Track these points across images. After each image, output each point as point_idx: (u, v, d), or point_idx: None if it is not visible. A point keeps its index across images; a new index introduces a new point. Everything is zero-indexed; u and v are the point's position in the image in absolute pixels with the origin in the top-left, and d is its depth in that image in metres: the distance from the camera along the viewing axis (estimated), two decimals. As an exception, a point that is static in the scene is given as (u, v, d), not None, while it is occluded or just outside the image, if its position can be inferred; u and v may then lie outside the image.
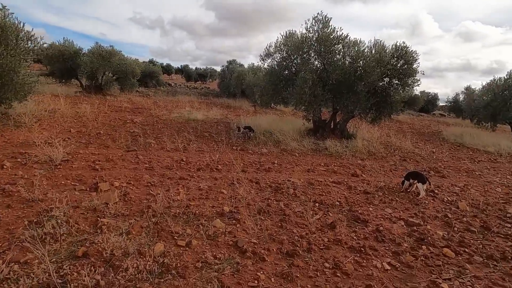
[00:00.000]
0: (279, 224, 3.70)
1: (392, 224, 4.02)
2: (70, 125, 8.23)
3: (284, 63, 9.86)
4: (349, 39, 8.76)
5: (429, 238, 3.65)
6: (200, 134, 9.17)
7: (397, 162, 8.04)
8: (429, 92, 31.76)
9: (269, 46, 10.01)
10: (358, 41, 8.96)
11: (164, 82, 27.31)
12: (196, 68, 37.92)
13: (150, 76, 23.04)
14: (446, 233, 3.87)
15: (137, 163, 5.67)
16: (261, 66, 10.14)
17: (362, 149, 8.84)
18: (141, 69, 20.06)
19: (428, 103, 29.30)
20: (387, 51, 9.11)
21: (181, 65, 38.26)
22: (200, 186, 4.72)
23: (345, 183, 5.67)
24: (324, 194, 4.98)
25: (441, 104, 34.06)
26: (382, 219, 4.16)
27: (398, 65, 9.33)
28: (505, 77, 14.00)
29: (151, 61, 35.42)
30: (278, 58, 9.94)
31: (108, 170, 5.13)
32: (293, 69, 9.91)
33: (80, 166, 5.17)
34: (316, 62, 8.91)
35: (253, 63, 19.63)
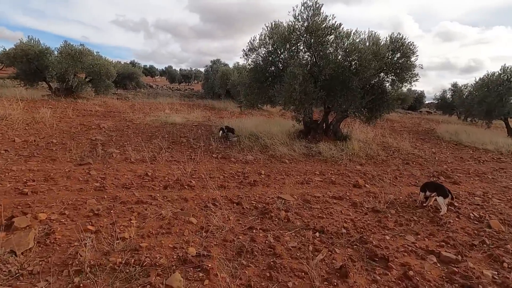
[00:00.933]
0: (267, 274, 2.54)
1: (422, 262, 2.92)
2: (17, 134, 6.84)
3: (270, 58, 8.72)
4: (342, 29, 7.71)
5: (477, 284, 2.57)
6: (175, 139, 7.92)
7: (400, 167, 7.02)
8: (416, 90, 31.39)
9: (253, 40, 8.86)
10: (352, 32, 7.92)
11: (145, 84, 25.80)
12: (180, 70, 36.43)
13: (129, 77, 21.53)
14: (496, 272, 2.80)
15: (85, 182, 4.40)
16: (245, 62, 8.90)
17: (359, 152, 7.80)
18: (117, 70, 18.61)
19: (416, 100, 28.84)
20: (382, 43, 8.13)
21: (164, 67, 36.75)
22: (161, 214, 3.50)
23: (347, 198, 4.57)
24: (324, 216, 3.85)
25: (426, 101, 33.86)
26: (405, 253, 3.05)
27: (395, 58, 8.37)
28: (499, 72, 13.31)
29: (132, 63, 33.77)
30: (263, 52, 8.80)
31: (42, 194, 3.84)
32: (280, 64, 8.79)
33: (3, 189, 3.87)
34: (306, 56, 7.81)
35: (238, 62, 18.52)
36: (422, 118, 23.41)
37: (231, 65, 20.92)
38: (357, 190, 5.03)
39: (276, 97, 7.66)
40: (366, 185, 5.34)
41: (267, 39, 8.38)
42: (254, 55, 8.97)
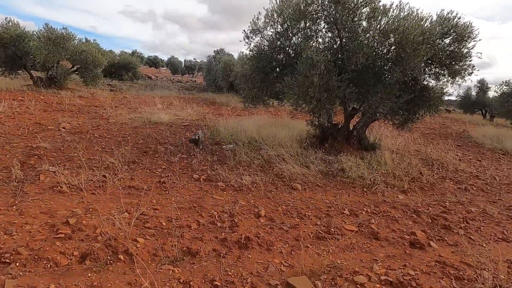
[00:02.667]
0: None
1: None
2: None
3: (278, 41, 6.55)
4: (378, 2, 5.48)
5: None
6: (149, 148, 5.87)
7: (458, 195, 4.87)
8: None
9: (257, 18, 6.67)
10: (389, 6, 5.66)
11: (144, 75, 23.79)
12: (185, 61, 34.28)
13: (126, 68, 19.53)
14: None
15: None
16: (246, 48, 6.74)
17: (395, 169, 5.65)
18: (111, 58, 16.58)
19: (434, 97, 26.28)
20: (427, 24, 5.88)
21: (167, 58, 34.63)
22: None
23: (416, 283, 2.46)
24: None
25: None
26: None
27: (445, 43, 6.13)
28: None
29: (133, 52, 31.76)
30: (269, 34, 6.63)
31: None
32: (291, 50, 6.62)
33: None
34: (328, 37, 5.61)
35: (242, 52, 16.33)
36: (444, 117, 20.93)
37: (236, 56, 18.69)
38: (421, 257, 2.90)
39: (285, 93, 5.51)
40: (431, 242, 3.21)
41: (275, 15, 6.19)
42: (258, 39, 6.79)
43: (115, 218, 2.93)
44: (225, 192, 4.16)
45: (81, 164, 4.54)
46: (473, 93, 22.07)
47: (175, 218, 3.21)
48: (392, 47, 5.42)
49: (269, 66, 6.69)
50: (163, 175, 4.54)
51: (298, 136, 7.31)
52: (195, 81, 27.13)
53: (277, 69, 6.82)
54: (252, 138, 7.02)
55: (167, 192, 3.95)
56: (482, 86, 20.78)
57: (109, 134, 6.66)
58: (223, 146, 6.49)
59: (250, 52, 6.88)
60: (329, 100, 5.04)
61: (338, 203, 4.10)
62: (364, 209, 3.97)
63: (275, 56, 6.67)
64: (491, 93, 20.33)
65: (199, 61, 31.68)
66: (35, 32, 12.57)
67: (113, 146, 5.73)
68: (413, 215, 3.90)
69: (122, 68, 19.39)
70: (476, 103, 21.49)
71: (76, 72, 14.16)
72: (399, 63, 5.28)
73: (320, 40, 5.66)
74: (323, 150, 6.63)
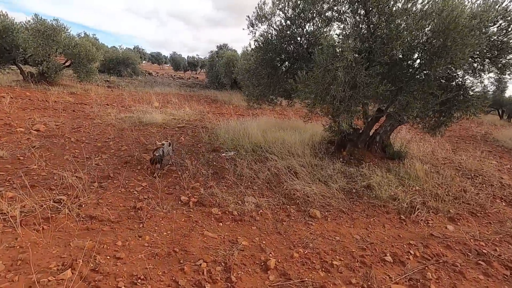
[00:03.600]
0: None
1: None
2: None
3: (288, 30, 5.43)
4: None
5: None
6: (133, 157, 4.81)
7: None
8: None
9: (263, 3, 5.55)
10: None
11: (144, 71, 22.73)
12: (188, 57, 33.13)
13: (124, 63, 18.47)
14: None
15: None
16: (250, 38, 5.61)
17: (432, 186, 4.54)
18: (107, 53, 15.55)
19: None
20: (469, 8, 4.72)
21: (169, 54, 33.49)
22: None
23: None
24: None
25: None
26: None
27: (493, 31, 4.98)
28: None
29: (136, 48, 30.71)
30: (278, 21, 5.51)
31: None
32: (304, 40, 5.50)
33: None
34: (351, 23, 4.45)
35: (246, 47, 15.19)
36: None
37: (239, 52, 17.50)
38: None
39: (298, 92, 4.38)
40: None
41: (285, -2, 5.08)
42: (265, 27, 5.67)
43: (49, 280, 1.87)
44: (221, 224, 3.08)
45: (37, 181, 3.49)
46: (490, 92, 20.69)
47: (142, 277, 2.13)
48: (434, 35, 4.27)
49: (277, 59, 5.58)
50: (141, 196, 3.46)
51: (310, 142, 6.20)
52: (197, 77, 26.04)
53: (287, 63, 5.71)
54: (256, 144, 5.93)
55: (141, 225, 2.87)
56: (500, 85, 19.41)
57: (88, 138, 5.60)
58: (222, 154, 5.40)
59: (255, 43, 5.75)
60: (354, 100, 3.91)
61: (373, 241, 2.99)
62: (411, 251, 2.86)
63: (284, 47, 5.55)
64: (508, 92, 19.02)
65: (202, 57, 30.55)
66: (23, 24, 11.52)
67: (89, 154, 4.68)
68: (480, 262, 2.79)
69: (121, 64, 18.34)
70: (493, 103, 20.14)
71: (69, 67, 13.15)
72: (442, 55, 4.13)
73: (342, 25, 4.50)
74: (341, 159, 5.53)
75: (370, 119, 5.59)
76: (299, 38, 5.53)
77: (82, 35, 17.10)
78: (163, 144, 4.44)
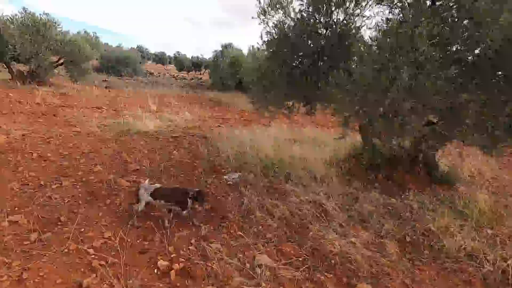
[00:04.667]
0: None
1: None
2: None
3: (311, 19, 4.15)
4: None
5: None
6: (102, 183, 3.56)
7: None
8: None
9: (279, -14, 4.28)
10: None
11: (145, 71, 21.59)
12: (192, 57, 31.94)
13: (125, 63, 17.34)
14: None
15: None
16: (262, 28, 4.33)
17: (508, 227, 3.24)
18: (105, 51, 14.39)
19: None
20: None
21: (173, 54, 32.29)
22: None
23: None
24: None
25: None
26: None
27: None
28: None
29: (138, 47, 29.61)
30: (297, 7, 4.24)
31: None
32: (329, 30, 4.22)
33: None
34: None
35: (252, 46, 13.91)
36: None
37: (245, 51, 16.20)
38: None
39: (331, 97, 3.10)
40: None
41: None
42: (280, 15, 4.40)
43: None
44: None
45: None
46: None
47: None
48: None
49: (295, 56, 4.30)
50: (97, 261, 2.21)
51: (334, 159, 4.91)
52: (201, 78, 24.85)
53: (307, 60, 4.43)
54: (267, 162, 4.65)
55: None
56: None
57: (56, 153, 4.37)
58: (224, 177, 4.13)
59: (267, 35, 4.47)
60: (416, 113, 2.62)
61: None
62: None
63: (306, 41, 4.27)
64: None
65: (206, 57, 29.36)
66: (9, 17, 10.37)
67: (46, 180, 3.45)
68: None
69: (121, 63, 17.21)
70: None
71: (61, 66, 12.02)
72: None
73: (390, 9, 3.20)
74: (376, 183, 4.24)
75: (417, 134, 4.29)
76: (324, 31, 4.25)
77: (82, 33, 15.98)
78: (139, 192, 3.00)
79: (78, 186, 3.41)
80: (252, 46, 13.75)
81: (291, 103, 4.62)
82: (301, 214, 3.17)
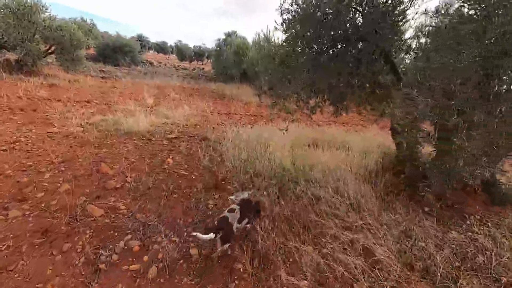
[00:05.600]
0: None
1: None
2: None
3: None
4: None
5: None
6: (61, 220, 2.59)
7: None
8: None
9: None
10: None
11: (145, 60, 20.41)
12: (194, 46, 30.59)
13: (122, 51, 16.20)
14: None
15: None
16: (281, 4, 3.23)
17: None
18: (96, 38, 13.26)
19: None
20: None
21: (174, 42, 30.86)
22: None
23: None
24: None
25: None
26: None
27: None
28: None
29: (139, 36, 28.30)
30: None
31: None
32: (365, 7, 3.14)
33: None
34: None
35: (258, 33, 12.69)
36: None
37: (250, 40, 14.95)
38: None
39: (382, 96, 2.09)
40: None
41: None
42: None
43: None
44: None
45: None
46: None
47: None
48: None
49: (326, 38, 3.24)
50: None
51: (364, 170, 3.91)
52: (203, 68, 23.65)
53: (340, 46, 3.37)
54: (284, 173, 3.67)
55: None
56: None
57: (18, 164, 3.41)
58: (230, 198, 3.16)
59: (286, 14, 3.39)
60: None
61: None
62: None
63: (338, 19, 3.20)
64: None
65: (209, 47, 28.03)
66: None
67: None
68: None
69: (118, 52, 16.07)
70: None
71: (52, 54, 10.96)
72: None
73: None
74: (426, 207, 3.26)
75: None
76: (362, 5, 3.17)
77: (79, 19, 14.81)
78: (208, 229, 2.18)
79: (30, 218, 2.46)
80: (258, 33, 12.55)
81: (314, 100, 3.58)
82: (340, 264, 2.20)
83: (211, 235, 2.05)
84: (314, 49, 3.16)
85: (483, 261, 2.49)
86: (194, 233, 2.08)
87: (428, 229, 2.81)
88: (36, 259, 2.02)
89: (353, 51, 3.23)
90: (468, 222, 3.04)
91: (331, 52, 3.32)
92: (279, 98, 3.77)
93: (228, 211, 2.37)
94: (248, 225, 2.54)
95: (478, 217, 3.16)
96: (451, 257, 2.46)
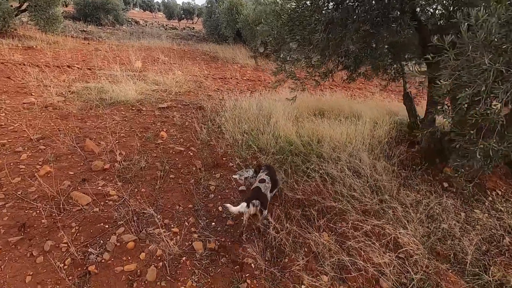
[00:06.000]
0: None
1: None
2: None
3: None
4: None
5: None
6: (23, 225, 2.24)
7: None
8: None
9: None
10: None
11: (129, 19, 18.73)
12: (182, 3, 28.24)
13: (104, 9, 14.71)
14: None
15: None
16: None
17: None
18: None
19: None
20: None
21: (161, 0, 28.26)
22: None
23: None
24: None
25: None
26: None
27: None
28: None
29: (121, -8, 25.79)
30: None
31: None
32: None
33: None
34: None
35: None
36: None
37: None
38: None
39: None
40: None
41: None
42: None
43: None
44: None
45: None
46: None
47: None
48: None
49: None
50: None
51: (375, 141, 3.60)
52: (193, 28, 22.02)
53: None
54: (288, 147, 3.34)
55: None
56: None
57: (-11, 142, 2.97)
58: (234, 177, 2.84)
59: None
60: None
61: None
62: None
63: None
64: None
65: (199, 4, 25.86)
66: None
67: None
68: None
69: (100, 9, 14.60)
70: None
71: (24, 12, 9.82)
72: None
73: None
74: (445, 183, 3.01)
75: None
76: None
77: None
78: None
79: (5, 209, 2.11)
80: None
81: (326, 65, 3.11)
82: (362, 256, 1.95)
83: (243, 205, 1.95)
84: (330, 3, 2.63)
85: (510, 242, 2.30)
86: (226, 205, 1.98)
87: (450, 208, 2.58)
88: (13, 263, 1.71)
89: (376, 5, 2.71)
90: (490, 199, 2.82)
91: (350, 6, 2.78)
92: (285, 62, 3.29)
93: (259, 182, 2.26)
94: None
95: (500, 192, 2.94)
96: (477, 241, 2.25)
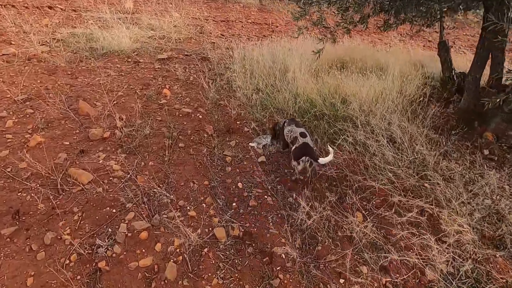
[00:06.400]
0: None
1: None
2: None
3: None
4: None
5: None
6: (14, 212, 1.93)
7: None
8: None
9: None
10: None
11: None
12: None
13: None
14: None
15: None
16: None
17: None
18: None
19: None
20: None
21: None
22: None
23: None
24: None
25: None
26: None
27: None
28: None
29: None
30: None
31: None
32: None
33: None
34: None
35: None
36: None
37: None
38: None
39: None
40: None
41: None
42: None
43: None
44: None
45: None
46: None
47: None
48: None
49: None
50: None
51: (406, 100, 3.18)
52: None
53: None
54: (310, 108, 2.94)
55: None
56: None
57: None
58: (251, 144, 2.50)
59: None
60: None
61: None
62: None
63: None
64: None
65: None
66: None
67: None
68: None
69: None
70: None
71: None
72: None
73: None
74: (486, 150, 2.69)
75: None
76: None
77: None
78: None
79: (-6, 193, 1.81)
80: None
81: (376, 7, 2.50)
82: (404, 243, 1.73)
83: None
84: None
85: None
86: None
87: (494, 180, 2.30)
88: (10, 260, 1.48)
89: None
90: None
91: None
92: (308, 4, 2.68)
93: (301, 136, 2.10)
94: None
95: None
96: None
